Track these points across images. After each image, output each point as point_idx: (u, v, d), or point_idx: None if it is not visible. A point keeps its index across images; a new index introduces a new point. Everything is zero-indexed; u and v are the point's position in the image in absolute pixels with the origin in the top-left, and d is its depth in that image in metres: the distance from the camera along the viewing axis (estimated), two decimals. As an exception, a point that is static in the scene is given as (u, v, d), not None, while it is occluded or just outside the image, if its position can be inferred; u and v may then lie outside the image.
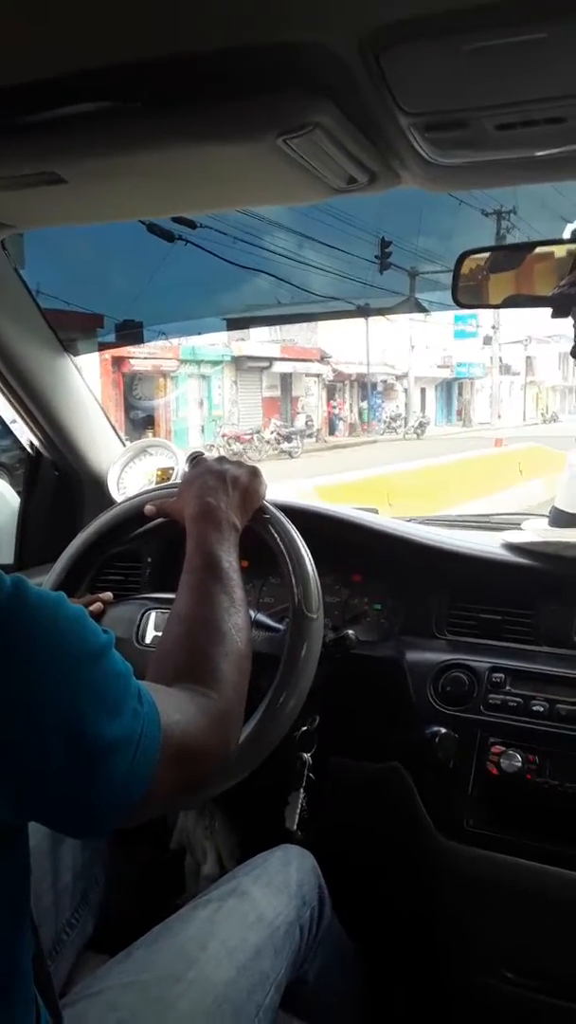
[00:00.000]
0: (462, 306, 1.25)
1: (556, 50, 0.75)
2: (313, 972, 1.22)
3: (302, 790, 1.38)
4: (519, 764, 1.28)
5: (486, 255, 1.26)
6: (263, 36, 0.80)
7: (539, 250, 1.24)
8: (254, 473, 1.25)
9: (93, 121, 0.94)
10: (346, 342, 28.82)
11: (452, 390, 35.59)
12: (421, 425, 27.93)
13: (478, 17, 0.72)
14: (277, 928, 1.14)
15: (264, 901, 1.16)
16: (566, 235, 1.17)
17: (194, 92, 0.88)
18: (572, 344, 1.24)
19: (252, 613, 1.25)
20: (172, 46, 0.82)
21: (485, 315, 27.77)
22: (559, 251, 1.21)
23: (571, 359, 1.27)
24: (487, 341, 30.91)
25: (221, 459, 1.29)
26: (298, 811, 1.37)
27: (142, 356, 20.79)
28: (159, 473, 1.86)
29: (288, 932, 1.15)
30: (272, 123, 0.89)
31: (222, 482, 1.20)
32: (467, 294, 1.24)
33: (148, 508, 1.30)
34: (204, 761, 0.90)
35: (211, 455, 1.31)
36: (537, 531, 1.53)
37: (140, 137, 0.96)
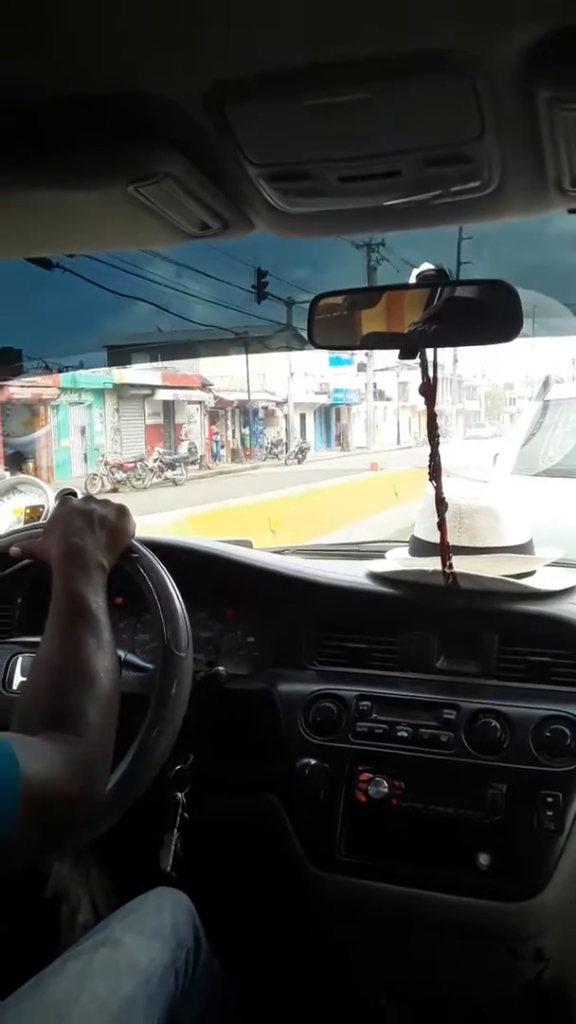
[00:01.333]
0: (318, 346, 1.29)
1: (381, 109, 0.80)
2: (190, 1016, 1.21)
3: (176, 830, 1.38)
4: (385, 790, 1.31)
5: (343, 298, 1.31)
6: (109, 87, 0.81)
7: (393, 293, 1.30)
8: (122, 512, 1.25)
9: None
10: (227, 369, 28.98)
11: (330, 416, 36.30)
12: (302, 450, 28.30)
13: (310, 76, 0.76)
14: (152, 975, 1.13)
15: (137, 948, 1.14)
16: (412, 280, 1.23)
17: (41, 139, 0.89)
18: (421, 382, 1.30)
19: (122, 654, 1.25)
20: (18, 93, 0.82)
21: (359, 343, 28.41)
22: (413, 294, 1.27)
23: (440, 385, 1.34)
24: (361, 368, 31.73)
25: (88, 498, 1.28)
26: (172, 852, 1.37)
27: (20, 385, 20.26)
28: (28, 511, 1.82)
29: (163, 978, 1.14)
30: (122, 172, 0.90)
31: (89, 522, 1.19)
32: (324, 335, 1.28)
33: (13, 550, 1.27)
34: (68, 809, 0.88)
35: (87, 488, 1.30)
36: (399, 560, 1.59)
37: None
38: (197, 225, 1.03)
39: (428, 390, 1.31)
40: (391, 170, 0.90)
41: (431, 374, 1.30)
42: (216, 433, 28.38)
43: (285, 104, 0.80)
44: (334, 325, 1.28)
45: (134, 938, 1.16)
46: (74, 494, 1.36)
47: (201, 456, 26.73)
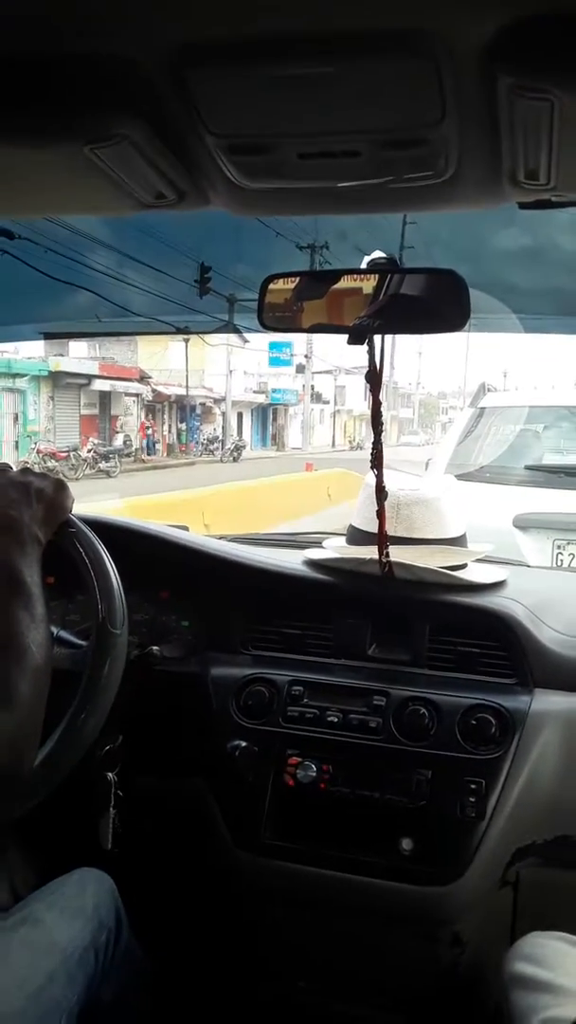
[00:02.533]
0: (268, 328, 1.29)
1: (349, 84, 0.80)
2: (108, 995, 1.19)
3: (112, 808, 1.36)
4: (313, 774, 1.32)
5: (294, 280, 1.31)
6: (70, 45, 0.80)
7: (344, 282, 1.30)
8: (60, 486, 1.23)
9: None
10: (166, 364, 28.79)
11: (267, 415, 36.37)
12: (237, 448, 28.27)
13: (276, 46, 0.76)
14: (71, 954, 1.11)
15: (57, 927, 1.13)
16: (363, 266, 1.24)
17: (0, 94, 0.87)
18: (367, 369, 1.32)
19: (54, 630, 1.23)
20: None
21: (299, 345, 28.62)
22: (362, 283, 1.28)
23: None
24: (300, 370, 31.90)
25: (25, 470, 1.26)
26: (111, 829, 1.36)
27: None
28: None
29: (82, 958, 1.13)
30: (79, 132, 0.89)
31: (25, 494, 1.17)
32: (272, 317, 1.28)
33: None
34: None
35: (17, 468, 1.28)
36: (335, 548, 1.60)
37: None
38: (152, 194, 1.02)
39: (374, 377, 1.32)
40: (350, 149, 0.90)
41: (378, 361, 1.32)
42: (148, 427, 28.05)
43: (249, 73, 0.80)
44: (283, 308, 1.28)
45: (55, 917, 1.14)
46: (9, 467, 1.33)
47: (136, 449, 26.46)
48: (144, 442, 27.88)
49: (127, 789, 1.40)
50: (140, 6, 0.73)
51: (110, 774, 1.38)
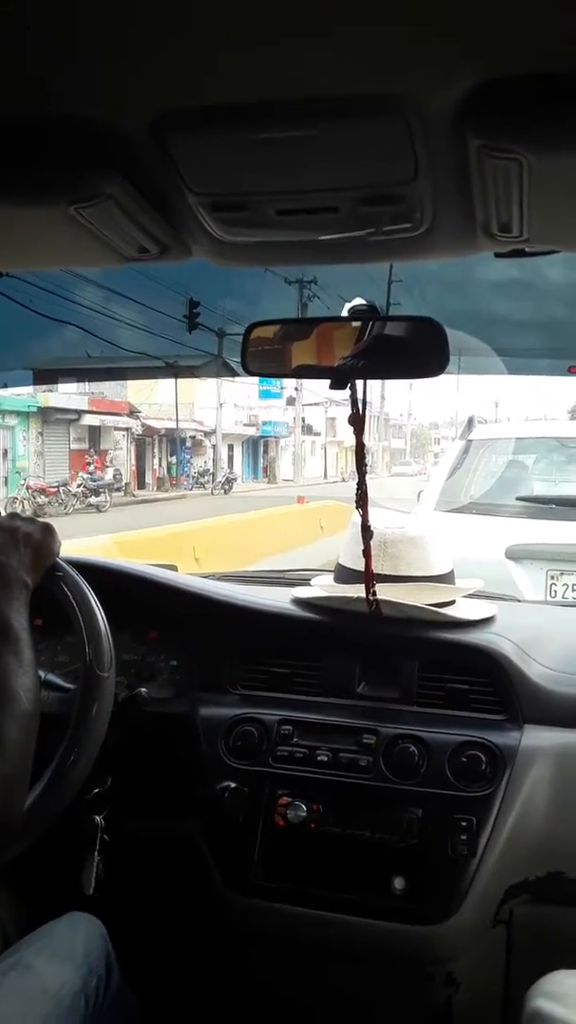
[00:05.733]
0: (251, 373, 1.31)
1: (326, 146, 0.83)
2: None
3: (96, 853, 1.36)
4: (304, 814, 1.32)
5: (276, 328, 1.34)
6: (55, 109, 0.83)
7: (325, 325, 1.34)
8: (47, 530, 1.24)
9: None
10: (156, 398, 28.88)
11: (258, 448, 36.48)
12: (228, 481, 28.29)
13: (255, 111, 0.79)
14: (61, 999, 1.11)
15: (48, 972, 1.12)
16: (344, 313, 1.27)
17: None
18: (350, 412, 1.34)
19: (42, 674, 1.24)
20: None
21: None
22: (344, 327, 1.31)
23: (368, 422, 1.38)
24: (290, 402, 32.04)
25: (13, 515, 1.27)
26: (94, 875, 1.35)
27: None
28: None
29: (72, 1003, 1.12)
30: (64, 192, 0.91)
31: (13, 539, 1.18)
32: (256, 362, 1.31)
33: None
34: None
35: (6, 511, 1.29)
36: (323, 587, 1.61)
37: None
38: (136, 248, 1.05)
39: (357, 420, 1.35)
40: (328, 206, 0.93)
41: (360, 406, 1.34)
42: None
43: (228, 137, 0.83)
44: (267, 354, 1.31)
45: (45, 962, 1.14)
46: None
47: (126, 483, 26.44)
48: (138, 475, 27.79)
49: (116, 831, 1.40)
50: (123, 73, 0.76)
51: (98, 817, 1.38)
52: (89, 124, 0.84)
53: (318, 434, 37.71)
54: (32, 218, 0.97)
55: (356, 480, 1.42)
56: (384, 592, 1.47)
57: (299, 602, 1.58)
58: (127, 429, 28.09)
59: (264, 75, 0.75)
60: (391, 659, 1.49)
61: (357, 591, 1.48)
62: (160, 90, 0.78)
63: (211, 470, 30.45)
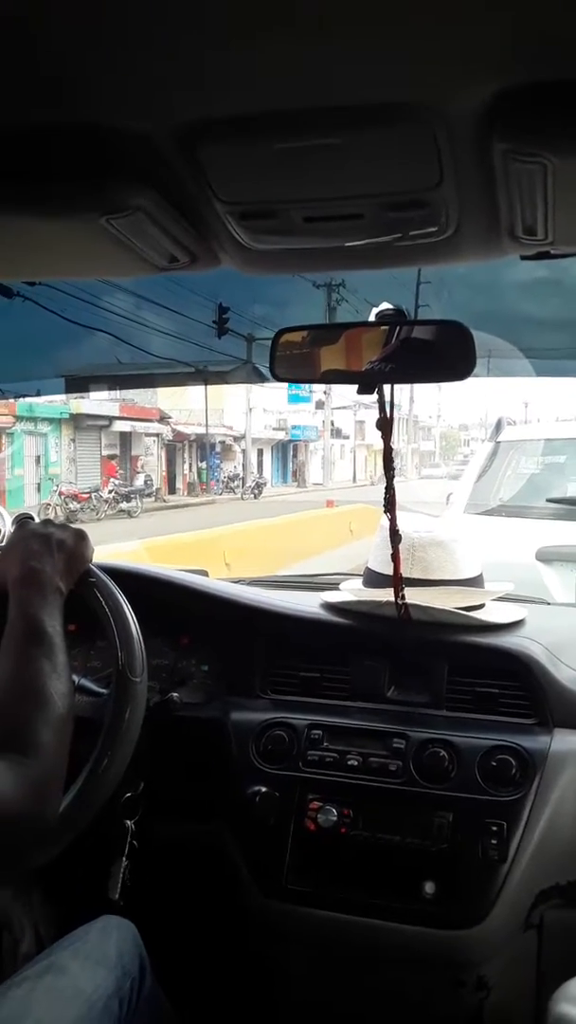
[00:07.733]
0: (279, 379, 1.32)
1: (350, 154, 0.84)
2: None
3: (124, 858, 1.37)
4: (334, 818, 1.33)
5: (304, 333, 1.35)
6: (85, 120, 0.85)
7: (353, 330, 1.34)
8: (80, 536, 1.26)
9: None
10: (185, 404, 29.04)
11: (287, 452, 36.49)
12: (258, 485, 28.32)
13: (282, 120, 0.80)
14: (95, 1002, 1.12)
15: (82, 975, 1.13)
16: (371, 318, 1.27)
17: (17, 168, 0.91)
18: (378, 417, 1.35)
19: (76, 678, 1.25)
20: None
21: (317, 381, 28.67)
22: (372, 332, 1.32)
23: (396, 424, 1.38)
24: (319, 406, 32.02)
25: (47, 522, 1.29)
26: (120, 880, 1.36)
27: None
28: (-17, 535, 1.82)
29: (107, 1006, 1.13)
30: (96, 204, 0.93)
31: (47, 546, 1.19)
32: (285, 368, 1.32)
33: None
34: (19, 832, 0.88)
35: (40, 517, 1.31)
36: (352, 591, 1.62)
37: None
38: (166, 258, 1.06)
39: (384, 425, 1.35)
40: (354, 212, 0.94)
41: (388, 410, 1.35)
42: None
43: (256, 146, 0.84)
44: (295, 359, 1.32)
45: (79, 965, 1.15)
46: (31, 518, 1.36)
47: (157, 488, 26.59)
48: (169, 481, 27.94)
49: (146, 835, 1.41)
50: (152, 85, 0.78)
51: (128, 822, 1.39)
52: (119, 136, 0.85)
53: (347, 437, 37.66)
54: (64, 229, 0.99)
55: (384, 484, 1.43)
56: (413, 596, 1.47)
57: (328, 606, 1.59)
58: (157, 435, 28.25)
59: (292, 85, 0.76)
60: (420, 663, 1.49)
61: (386, 595, 1.48)
62: (189, 102, 0.79)
63: (241, 475, 30.52)
